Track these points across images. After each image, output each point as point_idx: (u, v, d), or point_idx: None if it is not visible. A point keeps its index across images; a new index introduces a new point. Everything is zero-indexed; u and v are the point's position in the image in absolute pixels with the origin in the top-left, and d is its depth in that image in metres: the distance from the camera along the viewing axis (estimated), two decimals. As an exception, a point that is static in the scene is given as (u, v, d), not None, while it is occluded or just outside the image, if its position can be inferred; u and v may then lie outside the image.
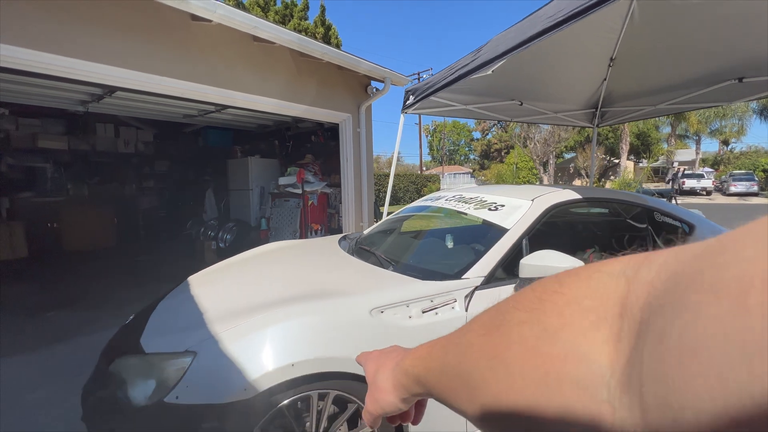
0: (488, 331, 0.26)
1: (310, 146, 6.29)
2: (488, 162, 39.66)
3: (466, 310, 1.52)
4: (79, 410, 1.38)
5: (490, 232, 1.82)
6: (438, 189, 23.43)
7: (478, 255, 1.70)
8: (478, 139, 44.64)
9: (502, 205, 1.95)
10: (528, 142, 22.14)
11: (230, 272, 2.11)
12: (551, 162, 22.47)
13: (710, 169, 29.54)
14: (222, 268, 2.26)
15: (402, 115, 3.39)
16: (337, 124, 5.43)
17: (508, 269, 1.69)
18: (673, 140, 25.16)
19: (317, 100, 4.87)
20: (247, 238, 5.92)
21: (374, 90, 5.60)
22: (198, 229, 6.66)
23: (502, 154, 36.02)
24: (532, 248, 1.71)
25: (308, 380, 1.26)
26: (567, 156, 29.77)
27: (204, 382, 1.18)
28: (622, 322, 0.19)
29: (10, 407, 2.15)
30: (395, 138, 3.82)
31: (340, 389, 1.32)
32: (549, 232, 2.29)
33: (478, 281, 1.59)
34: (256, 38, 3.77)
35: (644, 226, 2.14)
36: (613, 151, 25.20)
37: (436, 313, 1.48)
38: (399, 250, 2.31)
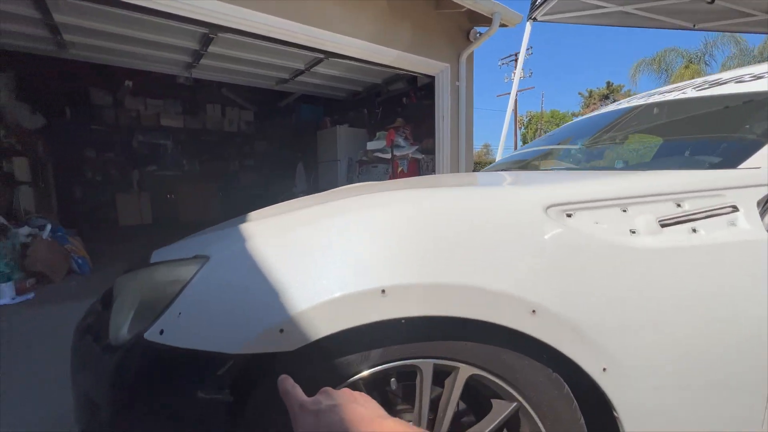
0: None
1: (401, 110, 5.70)
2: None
3: None
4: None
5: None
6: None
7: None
8: (584, 126, 39.19)
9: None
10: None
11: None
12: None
13: None
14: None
15: (528, 24, 2.50)
16: (433, 78, 4.71)
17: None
18: None
19: (411, 45, 4.22)
20: (333, 208, 5.62)
21: (477, 35, 4.72)
22: (288, 201, 6.64)
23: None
24: None
25: (413, 332, 0.58)
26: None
27: (208, 310, 0.59)
28: None
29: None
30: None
31: (483, 364, 0.61)
32: None
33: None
34: (345, -37, 3.25)
35: None
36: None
37: (694, 230, 0.66)
38: (591, 157, 1.43)
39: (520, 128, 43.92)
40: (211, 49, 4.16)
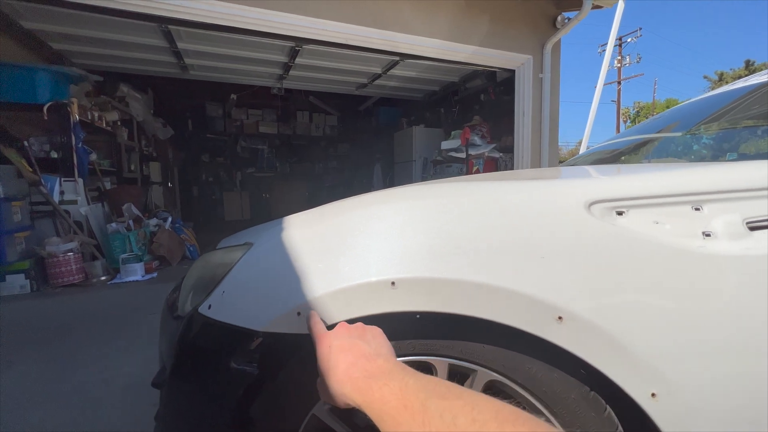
0: None
1: (479, 108, 5.49)
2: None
3: None
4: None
5: None
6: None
7: None
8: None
9: None
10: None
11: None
12: None
13: None
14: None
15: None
16: (513, 71, 4.44)
17: None
18: None
19: (488, 38, 4.04)
20: (406, 208, 5.67)
21: (565, 20, 4.31)
22: (365, 201, 6.91)
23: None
24: None
25: (428, 328, 0.57)
26: None
27: (244, 291, 0.66)
28: None
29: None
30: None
31: (504, 371, 0.57)
32: None
33: None
34: (419, -38, 3.27)
35: None
36: None
37: (799, 236, 0.52)
38: (701, 147, 1.21)
39: (625, 122, 38.14)
40: (298, 60, 4.55)
